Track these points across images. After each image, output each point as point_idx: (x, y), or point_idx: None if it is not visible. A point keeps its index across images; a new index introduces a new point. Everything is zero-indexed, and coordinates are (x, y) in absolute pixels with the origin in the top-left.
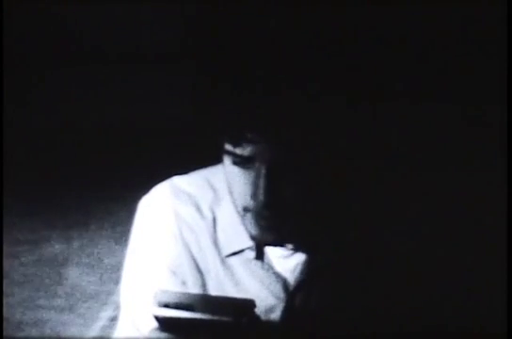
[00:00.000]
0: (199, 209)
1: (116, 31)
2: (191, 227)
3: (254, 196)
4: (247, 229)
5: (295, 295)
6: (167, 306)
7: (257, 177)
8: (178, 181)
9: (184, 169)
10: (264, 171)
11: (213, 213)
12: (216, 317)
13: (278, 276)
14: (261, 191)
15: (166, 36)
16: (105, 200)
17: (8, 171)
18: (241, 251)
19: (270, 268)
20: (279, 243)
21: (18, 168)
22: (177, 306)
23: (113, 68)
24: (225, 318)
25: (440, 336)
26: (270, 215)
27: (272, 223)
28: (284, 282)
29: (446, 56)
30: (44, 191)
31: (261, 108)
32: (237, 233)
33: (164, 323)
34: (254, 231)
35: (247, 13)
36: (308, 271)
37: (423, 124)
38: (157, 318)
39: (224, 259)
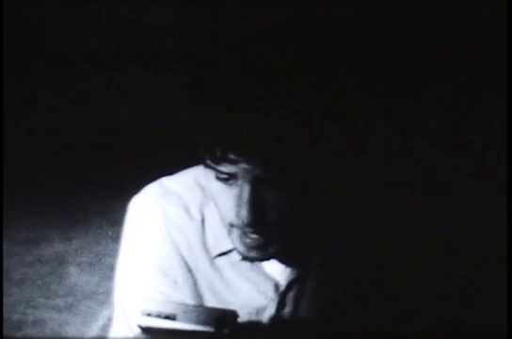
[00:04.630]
0: (187, 210)
1: (115, 32)
2: (180, 228)
3: (238, 214)
4: (234, 245)
5: (285, 295)
6: (149, 315)
7: (240, 195)
8: (167, 182)
9: (183, 168)
10: (247, 190)
11: (201, 213)
12: (197, 328)
13: (267, 276)
14: (244, 210)
15: (164, 37)
16: (105, 199)
17: (7, 171)
18: (229, 252)
19: (259, 269)
20: (265, 260)
21: (18, 167)
22: (159, 315)
23: (112, 69)
24: (207, 329)
25: (440, 336)
26: (255, 233)
27: (257, 242)
28: (275, 283)
29: (445, 56)
30: (44, 191)
31: (243, 130)
32: (224, 233)
33: (147, 332)
34: (240, 248)
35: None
36: (298, 271)
37: (417, 126)
38: (140, 327)
39: (213, 260)
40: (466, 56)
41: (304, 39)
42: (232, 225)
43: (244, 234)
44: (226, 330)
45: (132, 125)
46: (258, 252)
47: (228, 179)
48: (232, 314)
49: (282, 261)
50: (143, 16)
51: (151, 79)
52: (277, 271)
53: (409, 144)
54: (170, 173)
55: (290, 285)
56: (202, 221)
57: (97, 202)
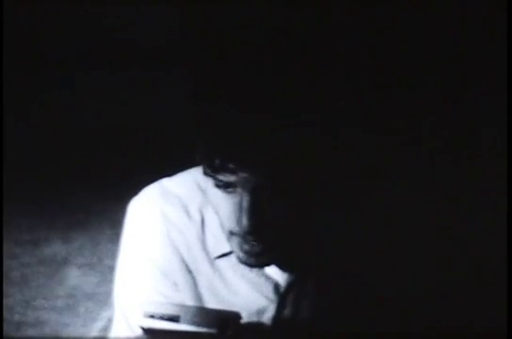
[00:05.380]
0: (187, 211)
1: (115, 32)
2: (180, 229)
3: (238, 222)
4: (233, 251)
5: (286, 296)
6: (152, 317)
7: (240, 203)
8: (167, 183)
9: (183, 170)
10: (246, 199)
11: (201, 215)
12: (200, 329)
13: (268, 277)
14: (244, 218)
15: (164, 37)
16: (105, 200)
17: (7, 171)
18: (229, 253)
19: (260, 270)
20: (265, 266)
21: (18, 167)
22: (162, 317)
23: (112, 69)
24: (210, 330)
25: (440, 336)
26: (254, 240)
27: (257, 249)
28: (275, 284)
29: (445, 56)
30: (44, 191)
31: (242, 139)
32: (224, 235)
33: (149, 333)
34: (240, 255)
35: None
36: (298, 273)
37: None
38: (143, 329)
39: (213, 261)
40: (466, 55)
41: (306, 39)
42: (231, 232)
43: (243, 240)
44: (229, 332)
45: (132, 126)
46: (257, 259)
47: (227, 187)
48: (234, 316)
49: (282, 264)
50: (143, 16)
51: (151, 79)
52: (277, 272)
53: (409, 146)
54: (170, 174)
55: (290, 286)
56: (202, 222)
57: (97, 203)
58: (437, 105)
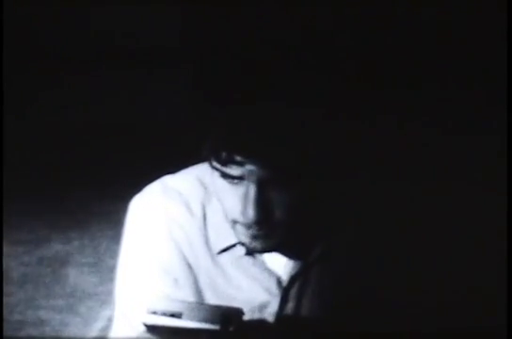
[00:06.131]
0: (189, 207)
1: (115, 32)
2: (182, 225)
3: (244, 213)
4: (237, 236)
5: (288, 290)
6: (154, 313)
7: (246, 194)
8: (169, 180)
9: (184, 168)
10: (252, 190)
11: (203, 211)
12: (203, 326)
13: (270, 272)
14: (250, 209)
15: (165, 36)
16: (106, 199)
17: (8, 171)
18: (232, 247)
19: (262, 265)
20: (268, 251)
21: (18, 167)
22: (164, 313)
23: (112, 68)
24: (212, 326)
25: (441, 336)
26: (260, 228)
27: (262, 233)
28: (277, 278)
29: (446, 56)
30: (44, 191)
31: (249, 131)
32: (227, 229)
33: (152, 330)
34: (244, 239)
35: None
36: (300, 266)
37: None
38: (146, 325)
39: (215, 256)
40: (466, 55)
41: (306, 37)
42: (235, 222)
43: (248, 226)
44: (231, 328)
45: (132, 125)
46: (262, 242)
47: (233, 178)
48: (237, 312)
49: (285, 254)
50: (144, 16)
51: (151, 78)
52: (279, 266)
53: (410, 146)
54: (171, 173)
55: (292, 280)
56: (204, 218)
57: (97, 203)
58: (437, 105)
